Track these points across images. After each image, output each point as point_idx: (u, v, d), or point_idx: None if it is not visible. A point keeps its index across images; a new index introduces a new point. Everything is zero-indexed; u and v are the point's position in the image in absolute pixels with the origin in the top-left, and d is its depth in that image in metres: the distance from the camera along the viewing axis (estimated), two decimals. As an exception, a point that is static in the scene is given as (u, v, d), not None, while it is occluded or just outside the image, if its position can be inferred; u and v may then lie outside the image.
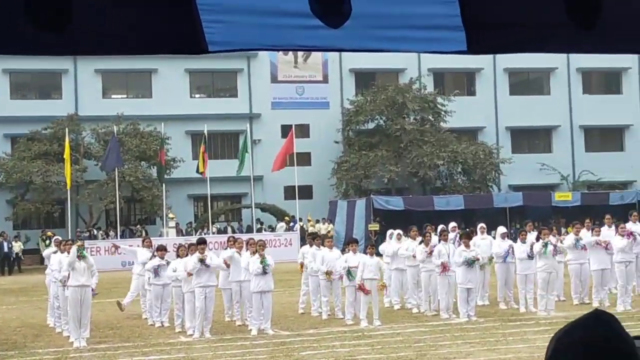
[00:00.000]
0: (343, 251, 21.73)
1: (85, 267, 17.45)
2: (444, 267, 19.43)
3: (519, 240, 20.96)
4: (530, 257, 19.92)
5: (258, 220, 51.15)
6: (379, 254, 21.11)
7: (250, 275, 18.38)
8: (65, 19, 2.93)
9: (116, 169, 45.49)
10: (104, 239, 47.49)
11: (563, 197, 50.08)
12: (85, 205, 50.58)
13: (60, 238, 23.07)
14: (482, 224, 23.80)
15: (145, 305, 21.17)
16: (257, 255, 18.27)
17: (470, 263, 19.14)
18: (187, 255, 18.67)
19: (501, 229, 22.68)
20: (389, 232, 23.20)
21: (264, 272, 18.00)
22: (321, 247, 20.88)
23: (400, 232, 22.71)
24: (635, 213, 24.48)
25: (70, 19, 2.95)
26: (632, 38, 3.52)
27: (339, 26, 3.23)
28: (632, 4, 3.35)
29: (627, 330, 1.76)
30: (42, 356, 16.33)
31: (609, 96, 60.22)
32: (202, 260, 17.79)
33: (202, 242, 18.74)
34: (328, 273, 19.77)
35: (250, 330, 18.21)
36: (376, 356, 14.93)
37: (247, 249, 19.21)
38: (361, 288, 18.62)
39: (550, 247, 19.79)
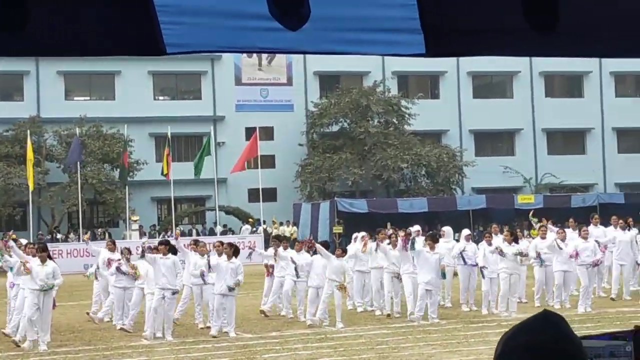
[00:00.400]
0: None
1: (46, 272, 17.23)
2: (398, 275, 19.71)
3: (484, 242, 21.08)
4: (502, 255, 20.04)
5: (220, 224, 50.96)
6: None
7: (214, 278, 18.34)
8: (21, 19, 2.91)
9: (78, 172, 45.10)
10: (67, 241, 47.10)
11: (526, 199, 50.41)
12: (47, 207, 50.16)
13: (22, 242, 22.84)
14: (445, 228, 23.84)
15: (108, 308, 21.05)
16: (230, 260, 18.16)
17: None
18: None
19: (465, 232, 22.78)
20: (355, 234, 23.29)
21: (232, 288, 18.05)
22: (289, 250, 21.06)
23: (365, 234, 22.78)
24: (596, 216, 24.75)
25: (27, 18, 2.93)
26: (590, 41, 3.55)
27: (298, 29, 3.23)
28: (589, 8, 3.38)
29: (577, 331, 1.77)
30: (2, 360, 16.18)
31: (571, 99, 60.83)
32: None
33: (162, 243, 18.79)
34: (342, 288, 19.52)
35: (210, 329, 18.15)
36: (339, 358, 14.95)
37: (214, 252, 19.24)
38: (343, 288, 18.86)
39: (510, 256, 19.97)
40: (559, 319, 1.72)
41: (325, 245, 20.41)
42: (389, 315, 20.36)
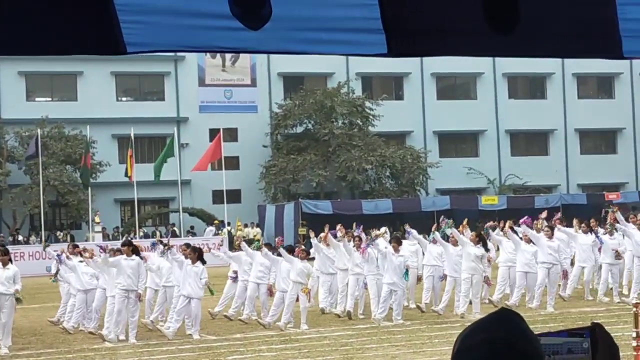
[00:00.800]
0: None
1: (7, 275, 17.03)
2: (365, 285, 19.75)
3: (450, 243, 21.17)
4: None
5: (183, 226, 50.76)
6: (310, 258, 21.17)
7: (178, 280, 18.27)
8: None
9: (40, 173, 44.68)
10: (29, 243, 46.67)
11: (489, 200, 50.76)
12: (8, 209, 49.71)
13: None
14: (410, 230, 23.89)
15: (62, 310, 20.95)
16: (195, 263, 18.10)
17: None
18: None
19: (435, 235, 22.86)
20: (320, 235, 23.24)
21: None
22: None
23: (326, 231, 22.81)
24: (559, 216, 24.90)
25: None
26: (550, 42, 3.58)
27: (259, 28, 3.22)
28: (549, 10, 3.40)
29: (539, 330, 1.76)
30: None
31: (534, 101, 61.31)
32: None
33: (126, 244, 18.71)
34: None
35: (168, 328, 18.03)
36: (303, 360, 14.95)
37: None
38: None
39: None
40: (515, 317, 1.72)
41: (290, 249, 20.33)
42: (349, 314, 20.34)
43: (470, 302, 20.05)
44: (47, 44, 3.27)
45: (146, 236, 47.83)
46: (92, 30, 3.18)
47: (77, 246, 22.73)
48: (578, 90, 62.37)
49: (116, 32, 3.17)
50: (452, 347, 1.74)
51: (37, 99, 54.01)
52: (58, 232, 50.49)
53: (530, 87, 62.82)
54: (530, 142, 61.77)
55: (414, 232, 23.11)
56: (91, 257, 19.56)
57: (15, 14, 3.05)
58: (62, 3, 3.07)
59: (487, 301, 22.46)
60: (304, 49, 3.52)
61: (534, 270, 21.23)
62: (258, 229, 49.83)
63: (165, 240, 21.92)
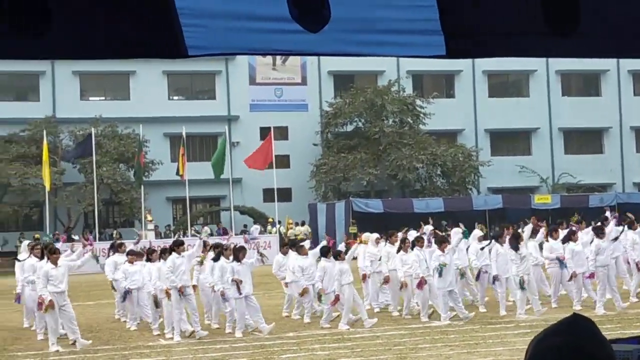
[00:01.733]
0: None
1: (62, 273, 17.26)
2: (420, 284, 19.46)
3: (496, 244, 20.97)
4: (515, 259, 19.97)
5: (234, 225, 51.03)
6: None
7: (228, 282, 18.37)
8: (45, 26, 2.92)
9: (94, 172, 45.22)
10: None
11: (542, 199, 50.32)
12: (63, 207, 50.38)
13: (28, 242, 23.06)
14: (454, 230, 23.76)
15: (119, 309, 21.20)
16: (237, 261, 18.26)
17: (439, 270, 19.13)
18: (159, 259, 18.73)
19: (477, 232, 22.66)
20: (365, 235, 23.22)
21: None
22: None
23: (378, 235, 22.76)
24: (615, 215, 24.58)
25: (49, 25, 2.94)
26: (608, 44, 3.56)
27: (318, 31, 3.23)
28: (608, 13, 3.39)
29: (604, 333, 1.76)
30: (22, 359, 16.23)
31: (588, 98, 60.55)
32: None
33: (179, 244, 18.81)
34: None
35: (233, 332, 18.21)
36: (356, 359, 14.94)
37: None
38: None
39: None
40: (588, 322, 1.73)
41: (327, 250, 20.18)
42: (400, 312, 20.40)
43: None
44: (110, 49, 3.33)
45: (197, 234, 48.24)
46: (155, 34, 3.23)
47: (122, 245, 23.00)
48: (634, 87, 61.50)
49: (178, 36, 3.21)
50: (525, 352, 1.75)
51: (90, 98, 54.67)
52: (109, 230, 50.97)
53: (584, 85, 62.08)
54: (585, 140, 61.04)
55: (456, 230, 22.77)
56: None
57: (80, 19, 3.10)
58: (125, 8, 3.12)
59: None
60: (362, 51, 3.54)
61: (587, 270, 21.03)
62: (306, 228, 49.94)
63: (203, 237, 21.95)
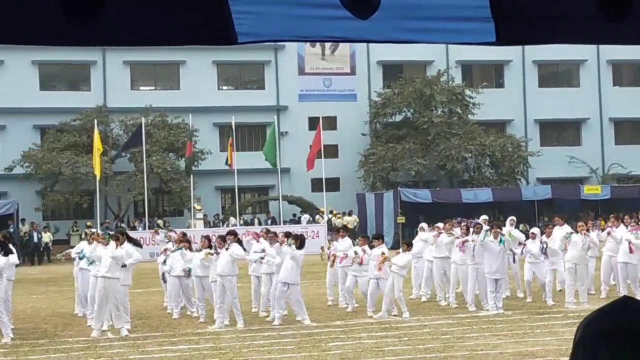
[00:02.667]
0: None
1: (112, 259, 17.43)
2: (463, 244, 19.50)
3: (545, 234, 20.88)
4: (544, 253, 19.90)
5: (283, 214, 51.17)
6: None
7: (277, 267, 18.47)
8: (97, 10, 2.96)
9: (144, 161, 45.66)
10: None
11: (592, 190, 49.79)
12: (114, 196, 50.91)
13: (88, 231, 23.42)
14: (512, 217, 23.74)
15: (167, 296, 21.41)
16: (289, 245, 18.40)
17: (501, 241, 19.22)
18: (209, 247, 18.84)
19: (534, 230, 22.54)
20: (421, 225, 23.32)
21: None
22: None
23: (425, 225, 22.76)
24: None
25: (102, 10, 2.98)
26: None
27: (368, 17, 3.25)
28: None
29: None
30: (72, 345, 16.49)
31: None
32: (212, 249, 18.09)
33: (232, 233, 18.89)
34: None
35: (274, 319, 18.31)
36: (403, 348, 14.95)
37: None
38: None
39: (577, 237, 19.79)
40: (637, 304, 1.71)
41: (378, 237, 20.34)
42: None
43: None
44: (160, 36, 3.37)
45: (246, 223, 48.49)
46: (205, 21, 3.26)
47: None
48: (687, 76, 60.55)
49: (228, 23, 3.23)
50: (574, 335, 1.74)
51: (141, 87, 55.13)
52: (157, 220, 51.39)
53: (636, 74, 61.18)
54: (636, 131, 60.16)
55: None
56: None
57: (132, 5, 3.14)
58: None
59: (592, 292, 22.17)
60: (411, 37, 3.53)
61: (634, 261, 20.90)
62: (354, 218, 49.98)
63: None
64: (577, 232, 19.97)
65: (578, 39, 3.65)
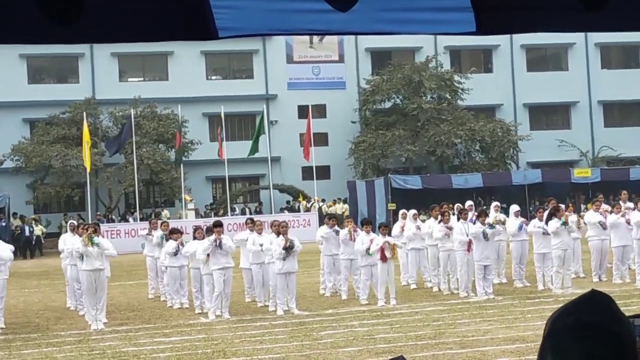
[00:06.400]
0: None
1: (98, 251, 17.49)
2: (469, 247, 19.40)
3: (536, 217, 20.88)
4: (546, 233, 19.88)
5: (274, 203, 51.20)
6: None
7: (273, 257, 18.47)
8: (76, 11, 2.96)
9: (134, 152, 45.58)
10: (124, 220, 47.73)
11: (582, 173, 49.90)
12: (104, 188, 50.86)
13: (75, 223, 23.35)
14: (496, 203, 23.75)
15: (164, 288, 21.33)
16: (280, 237, 18.39)
17: (491, 227, 19.26)
18: (203, 237, 18.78)
19: (514, 207, 22.52)
20: (401, 211, 23.24)
21: (285, 257, 18.14)
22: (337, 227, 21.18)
23: (416, 212, 22.75)
24: (624, 192, 24.10)
25: (81, 10, 2.98)
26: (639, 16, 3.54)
27: (348, 10, 3.25)
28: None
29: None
30: (65, 338, 16.49)
31: (628, 70, 59.77)
32: (218, 243, 17.88)
33: (218, 224, 18.73)
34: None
35: (275, 310, 18.33)
36: (395, 335, 15.00)
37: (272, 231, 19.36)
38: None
39: (571, 223, 19.85)
40: (606, 299, 1.72)
41: (368, 222, 20.40)
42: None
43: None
44: (140, 33, 3.36)
45: (242, 212, 48.55)
46: (185, 17, 3.26)
47: (167, 223, 23.23)
48: (674, 58, 60.63)
49: (208, 18, 3.23)
50: (543, 330, 1.76)
51: (129, 79, 55.03)
52: (150, 210, 51.36)
53: (624, 57, 61.32)
54: (625, 113, 60.33)
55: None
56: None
57: (111, 4, 3.14)
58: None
59: (583, 276, 22.25)
60: (392, 29, 3.54)
61: (629, 243, 20.97)
62: (345, 205, 50.05)
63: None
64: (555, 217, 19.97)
65: (557, 27, 3.67)
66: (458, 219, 20.32)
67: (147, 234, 22.91)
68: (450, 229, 20.00)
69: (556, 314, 1.74)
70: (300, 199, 50.49)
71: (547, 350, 1.72)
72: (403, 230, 21.98)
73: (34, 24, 3.06)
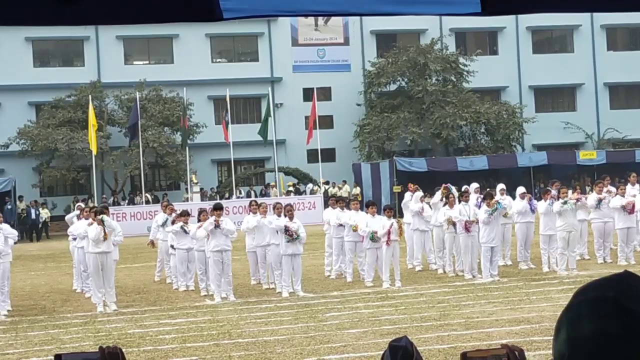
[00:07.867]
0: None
1: (108, 231, 17.57)
2: (467, 227, 19.44)
3: (542, 199, 20.87)
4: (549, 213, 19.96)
5: (283, 185, 51.21)
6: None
7: (279, 239, 18.53)
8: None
9: (139, 135, 45.58)
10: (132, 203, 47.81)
11: (588, 155, 49.84)
12: (110, 171, 50.90)
13: (82, 205, 23.38)
14: (502, 186, 23.71)
15: (170, 270, 21.37)
16: (282, 217, 18.49)
17: (496, 209, 19.25)
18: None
19: (520, 189, 22.50)
20: (408, 193, 23.28)
21: (291, 241, 18.21)
22: (345, 210, 21.12)
23: (422, 193, 22.75)
24: (634, 174, 23.98)
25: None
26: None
27: (353, -10, 3.25)
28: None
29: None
30: (71, 320, 16.57)
31: (634, 52, 59.55)
32: (217, 225, 17.97)
33: (218, 207, 18.75)
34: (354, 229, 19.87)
35: (281, 292, 18.39)
36: (400, 317, 15.04)
37: (273, 213, 19.33)
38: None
39: (570, 204, 19.82)
40: (633, 279, 1.66)
41: (373, 204, 20.48)
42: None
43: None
44: (144, 13, 3.36)
45: (248, 195, 48.58)
46: (190, -2, 3.25)
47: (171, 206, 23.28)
48: (681, 40, 60.39)
49: (213, -1, 3.23)
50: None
51: (134, 62, 54.98)
52: (156, 193, 51.40)
53: (630, 39, 61.07)
54: (631, 95, 60.17)
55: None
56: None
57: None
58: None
59: (588, 257, 22.26)
60: (398, 10, 3.54)
61: (633, 225, 21.01)
62: (357, 188, 50.08)
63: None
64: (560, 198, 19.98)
65: (563, 7, 3.67)
66: (459, 202, 20.31)
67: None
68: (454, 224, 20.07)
69: (581, 288, 1.72)
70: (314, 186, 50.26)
71: (563, 322, 1.70)
72: (423, 211, 21.78)
73: (38, 5, 3.06)
